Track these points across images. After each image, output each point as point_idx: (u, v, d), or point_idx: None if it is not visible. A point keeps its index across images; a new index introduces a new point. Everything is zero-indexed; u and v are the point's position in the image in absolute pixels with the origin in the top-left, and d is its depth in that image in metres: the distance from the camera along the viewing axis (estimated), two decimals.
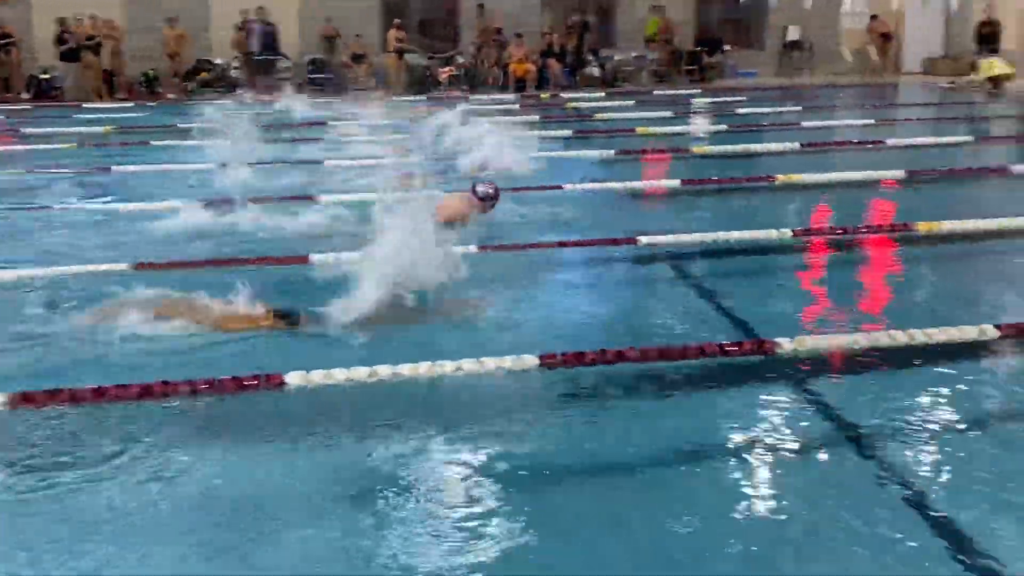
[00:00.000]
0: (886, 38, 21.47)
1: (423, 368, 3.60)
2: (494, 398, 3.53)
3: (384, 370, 3.58)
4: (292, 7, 19.33)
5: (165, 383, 3.51)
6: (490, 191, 6.13)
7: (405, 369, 3.60)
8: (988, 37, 17.82)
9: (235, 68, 18.67)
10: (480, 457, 3.03)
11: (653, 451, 3.14)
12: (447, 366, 3.61)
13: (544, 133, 11.63)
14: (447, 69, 19.54)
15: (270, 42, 18.58)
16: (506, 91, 18.79)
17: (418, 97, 16.53)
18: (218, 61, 18.76)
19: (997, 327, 4.00)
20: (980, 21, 17.89)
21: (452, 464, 3.01)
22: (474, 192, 6.10)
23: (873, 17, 21.14)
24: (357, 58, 19.14)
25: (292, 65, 19.06)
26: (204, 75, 18.57)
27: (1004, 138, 11.46)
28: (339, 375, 3.55)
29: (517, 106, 15.65)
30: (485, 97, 16.28)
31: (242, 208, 6.43)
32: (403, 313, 4.13)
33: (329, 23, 19.27)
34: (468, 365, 3.62)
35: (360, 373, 3.57)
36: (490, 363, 3.64)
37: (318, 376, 3.54)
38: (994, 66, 17.54)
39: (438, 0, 21.33)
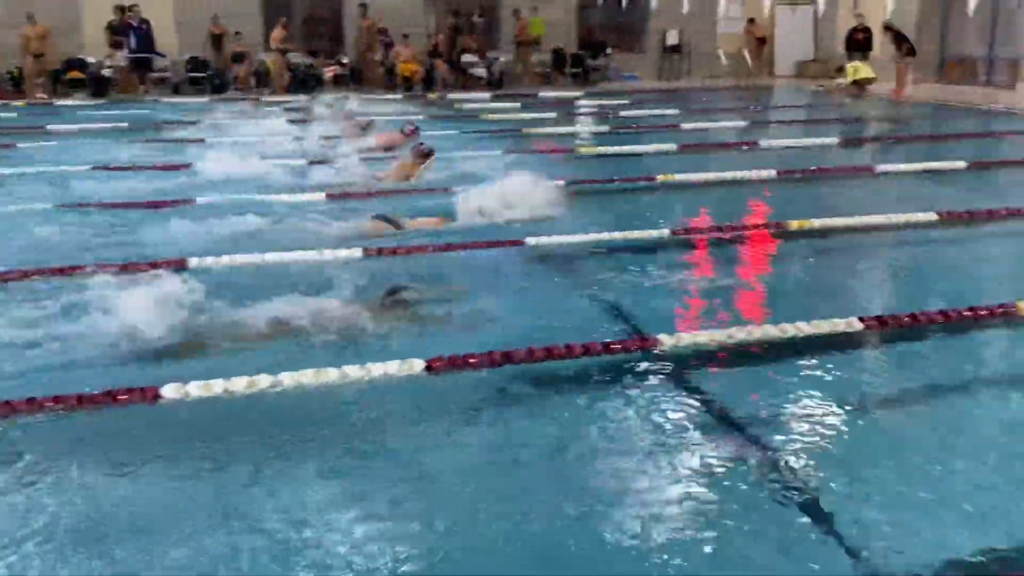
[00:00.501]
0: (760, 42, 22.31)
1: (307, 376, 3.55)
2: (379, 404, 3.50)
3: (264, 380, 3.50)
4: (167, 5, 18.68)
5: (31, 400, 3.35)
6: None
7: (286, 378, 3.53)
8: (860, 43, 18.73)
9: (108, 67, 17.90)
10: (361, 463, 3.01)
11: (542, 449, 3.17)
12: (331, 373, 3.57)
13: (431, 134, 11.63)
14: (332, 68, 19.28)
15: (145, 41, 17.89)
16: (394, 91, 18.67)
17: (302, 97, 16.23)
18: (91, 60, 17.96)
19: (861, 320, 4.23)
20: (853, 27, 18.77)
21: (332, 475, 2.97)
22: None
23: (749, 21, 21.93)
24: (238, 57, 18.65)
25: (171, 64, 18.44)
26: (75, 74, 17.75)
27: (869, 139, 12.07)
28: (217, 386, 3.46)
29: (405, 106, 15.59)
30: (375, 97, 16.17)
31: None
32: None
33: (216, 21, 18.72)
34: (353, 371, 3.58)
35: (239, 384, 3.49)
36: (376, 369, 3.61)
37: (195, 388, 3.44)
38: (859, 70, 18.52)
39: None
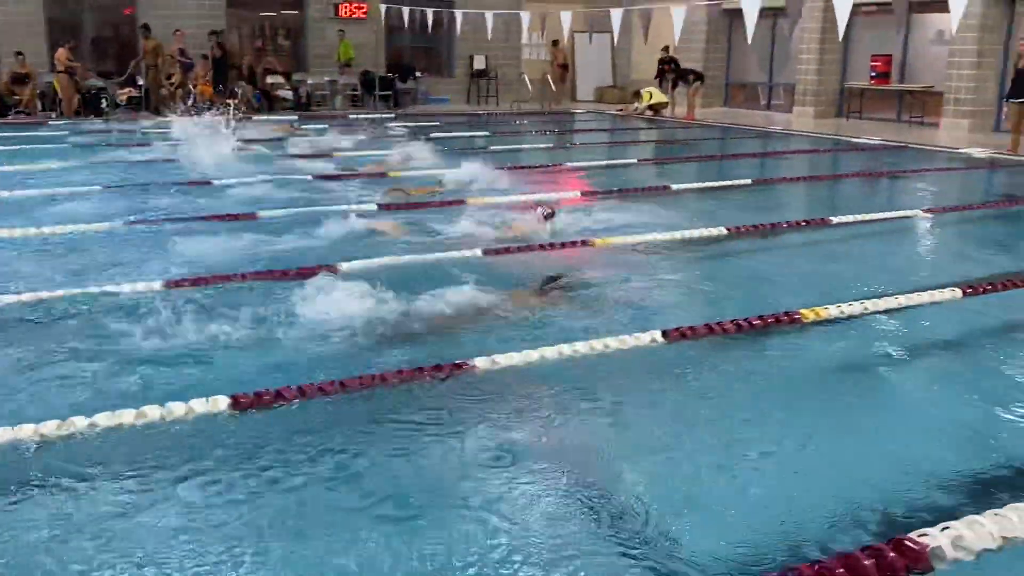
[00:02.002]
0: (563, 68, 23.15)
1: (126, 416, 3.34)
2: (180, 442, 3.32)
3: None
4: None
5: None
6: None
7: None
8: (667, 72, 19.87)
9: None
10: (150, 507, 2.87)
11: (360, 483, 3.11)
12: (126, 415, 3.36)
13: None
14: (126, 90, 18.32)
15: None
16: (191, 114, 17.95)
17: (94, 120, 15.31)
18: None
19: (664, 334, 4.43)
20: (660, 58, 19.88)
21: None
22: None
23: (554, 43, 22.70)
24: (18, 78, 17.31)
25: None
26: None
27: (664, 159, 12.76)
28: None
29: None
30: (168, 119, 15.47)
31: None
32: None
33: None
34: (152, 412, 3.38)
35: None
36: (178, 408, 3.43)
37: None
38: (653, 95, 19.63)
39: (111, 17, 19.96)
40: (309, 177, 9.70)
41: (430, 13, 20.13)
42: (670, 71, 19.58)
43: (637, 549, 2.66)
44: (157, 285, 5.25)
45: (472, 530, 2.75)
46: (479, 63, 22.92)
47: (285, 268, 5.66)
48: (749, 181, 9.96)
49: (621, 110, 20.80)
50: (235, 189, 8.85)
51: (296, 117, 17.58)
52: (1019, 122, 13.02)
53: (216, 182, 9.20)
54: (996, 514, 2.46)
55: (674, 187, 9.41)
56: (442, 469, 3.20)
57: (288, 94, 19.73)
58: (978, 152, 13.09)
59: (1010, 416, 3.74)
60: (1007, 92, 13.49)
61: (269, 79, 19.66)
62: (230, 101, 16.60)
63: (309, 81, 20.45)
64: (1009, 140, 13.14)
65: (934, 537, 2.33)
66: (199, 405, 3.46)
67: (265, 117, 17.43)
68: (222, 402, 3.49)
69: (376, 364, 4.10)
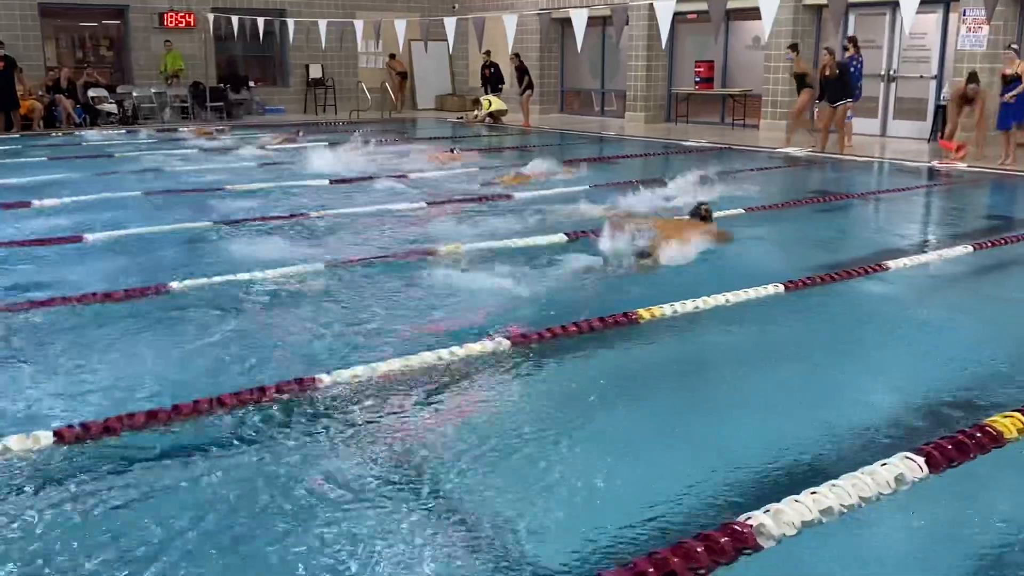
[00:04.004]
0: (402, 77, 23.15)
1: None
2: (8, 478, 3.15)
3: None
4: None
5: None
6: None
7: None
8: (488, 77, 20.18)
9: None
10: None
11: (199, 512, 3.04)
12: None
13: (55, 177, 10.75)
14: None
15: None
16: (10, 130, 16.86)
17: None
18: None
19: (508, 338, 4.55)
20: (483, 64, 20.15)
21: None
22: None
23: (391, 56, 22.64)
24: None
25: None
26: None
27: (507, 166, 12.95)
28: None
29: (20, 147, 14.18)
30: None
31: None
32: None
33: None
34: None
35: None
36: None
37: None
38: (492, 103, 19.96)
39: None
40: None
41: (261, 22, 19.67)
42: (491, 76, 20.00)
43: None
44: None
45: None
46: (315, 72, 22.59)
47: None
48: (587, 187, 10.29)
49: (461, 117, 21.01)
50: None
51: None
52: (828, 122, 14.06)
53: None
54: (813, 491, 2.68)
55: (516, 196, 9.60)
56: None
57: (112, 108, 18.83)
58: (795, 151, 14.03)
59: (835, 405, 4.07)
60: (816, 96, 14.54)
61: (91, 92, 18.70)
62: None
63: (135, 93, 19.58)
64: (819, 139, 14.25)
65: (758, 517, 2.52)
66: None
67: (91, 132, 16.56)
68: None
69: None
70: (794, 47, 15.05)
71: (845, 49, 14.32)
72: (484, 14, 17.88)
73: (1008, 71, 12.24)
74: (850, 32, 15.80)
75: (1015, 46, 12.53)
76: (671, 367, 4.65)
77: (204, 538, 2.81)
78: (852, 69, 14.01)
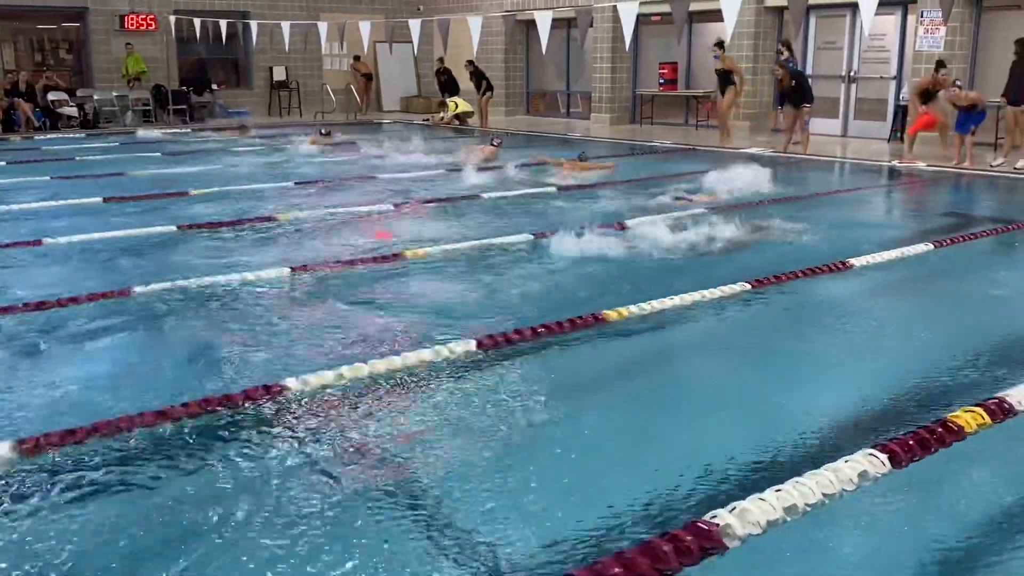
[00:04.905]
0: (367, 79, 23.04)
1: None
2: None
3: None
4: None
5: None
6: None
7: None
8: (443, 84, 20.28)
9: None
10: None
11: (163, 520, 3.01)
12: None
13: (16, 180, 10.58)
14: None
15: None
16: None
17: None
18: None
19: (477, 342, 4.55)
20: (436, 69, 20.21)
21: None
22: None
23: (355, 59, 22.54)
24: None
25: None
26: None
27: (474, 168, 12.95)
28: None
29: None
30: None
31: None
32: None
33: None
34: None
35: None
36: None
37: None
38: (458, 105, 19.95)
39: None
40: None
41: (223, 24, 19.48)
42: (444, 81, 20.07)
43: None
44: None
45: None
46: (279, 74, 22.43)
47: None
48: (554, 189, 10.32)
49: (427, 119, 20.97)
50: None
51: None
52: (793, 124, 14.21)
53: None
54: (777, 490, 2.70)
55: (485, 196, 9.60)
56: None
57: (73, 111, 18.56)
58: (758, 151, 14.15)
59: (799, 399, 4.12)
60: (777, 100, 14.71)
61: (51, 96, 18.42)
62: None
63: (96, 97, 19.31)
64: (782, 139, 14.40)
65: (723, 516, 2.54)
66: None
67: (51, 136, 16.31)
68: None
69: None
70: (720, 44, 14.96)
71: (779, 53, 14.55)
72: (449, 16, 17.85)
73: (961, 104, 12.42)
74: (811, 33, 16.01)
75: (959, 83, 12.74)
76: (638, 368, 4.68)
77: (155, 551, 2.78)
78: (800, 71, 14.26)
